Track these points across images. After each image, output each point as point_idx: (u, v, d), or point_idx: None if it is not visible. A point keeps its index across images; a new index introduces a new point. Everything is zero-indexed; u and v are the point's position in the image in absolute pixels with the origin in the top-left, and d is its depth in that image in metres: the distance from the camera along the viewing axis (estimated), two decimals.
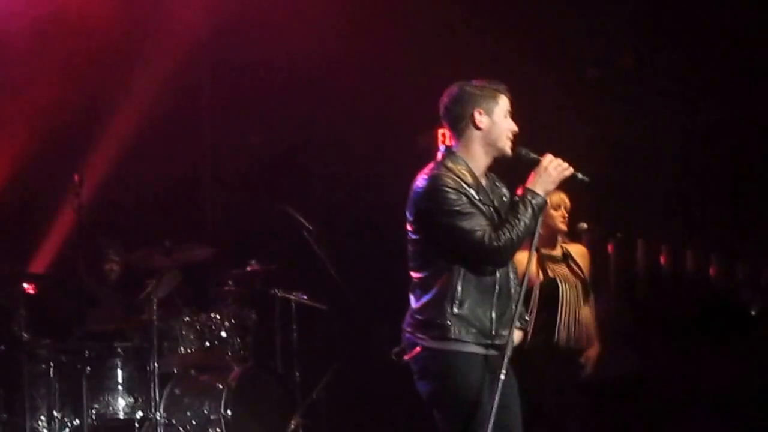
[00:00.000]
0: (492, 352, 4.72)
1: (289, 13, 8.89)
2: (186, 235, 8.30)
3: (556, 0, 8.15)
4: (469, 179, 4.74)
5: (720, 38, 7.57)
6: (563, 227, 6.44)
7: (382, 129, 9.00)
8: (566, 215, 6.43)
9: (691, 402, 7.28)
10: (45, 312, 7.74)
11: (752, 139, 7.58)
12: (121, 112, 9.10)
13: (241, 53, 9.36)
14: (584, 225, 6.48)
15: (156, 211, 9.36)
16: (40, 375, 7.46)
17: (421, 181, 4.79)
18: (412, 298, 4.83)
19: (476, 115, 4.77)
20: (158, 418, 7.49)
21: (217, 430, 7.53)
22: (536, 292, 6.29)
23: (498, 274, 4.76)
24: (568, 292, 6.39)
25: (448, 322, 4.67)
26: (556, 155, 4.73)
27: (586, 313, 6.49)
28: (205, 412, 7.60)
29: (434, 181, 4.73)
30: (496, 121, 4.78)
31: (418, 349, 4.77)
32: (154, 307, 7.56)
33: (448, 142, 8.53)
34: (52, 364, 7.46)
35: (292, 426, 7.77)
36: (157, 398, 7.53)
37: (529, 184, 4.74)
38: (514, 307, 4.76)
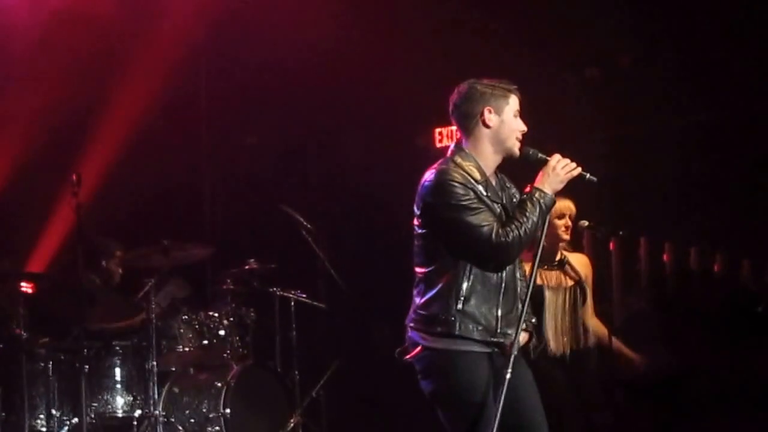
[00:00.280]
0: (496, 350, 4.69)
1: (287, 12, 8.88)
2: (184, 234, 8.30)
3: (556, 0, 8.15)
4: (478, 175, 4.72)
5: (720, 38, 7.58)
6: (566, 237, 6.37)
7: (380, 128, 9.01)
8: (570, 225, 6.36)
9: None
10: (43, 311, 7.71)
11: (752, 139, 7.60)
12: (118, 111, 9.09)
13: (240, 53, 9.35)
14: (585, 223, 6.46)
15: (154, 210, 9.34)
16: (39, 373, 7.46)
17: (429, 175, 4.75)
18: (415, 293, 4.78)
19: (486, 114, 4.75)
20: (157, 416, 7.48)
21: (216, 428, 7.53)
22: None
23: (504, 272, 4.73)
24: (554, 299, 6.36)
25: (453, 318, 4.63)
26: (563, 155, 4.73)
27: (583, 318, 6.46)
28: (204, 410, 7.61)
29: (442, 175, 4.70)
30: (506, 120, 4.76)
31: (420, 347, 4.73)
32: (153, 306, 7.56)
33: (445, 142, 8.63)
34: (50, 363, 7.47)
35: (292, 424, 7.78)
36: (156, 396, 7.55)
37: (537, 183, 4.72)
38: (520, 306, 4.74)
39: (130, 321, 7.81)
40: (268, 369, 8.02)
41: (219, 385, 7.58)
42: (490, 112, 4.76)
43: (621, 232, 6.53)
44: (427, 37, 8.63)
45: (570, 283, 6.42)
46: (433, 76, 8.30)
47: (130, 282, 8.12)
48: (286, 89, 9.27)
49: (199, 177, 9.97)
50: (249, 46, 9.17)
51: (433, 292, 4.69)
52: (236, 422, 7.52)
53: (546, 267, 6.33)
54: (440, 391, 4.73)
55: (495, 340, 4.69)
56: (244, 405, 7.62)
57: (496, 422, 4.50)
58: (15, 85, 8.89)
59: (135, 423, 7.55)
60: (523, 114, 4.79)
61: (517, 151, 4.79)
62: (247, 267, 8.13)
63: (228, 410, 7.50)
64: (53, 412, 7.44)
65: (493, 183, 4.80)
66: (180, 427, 7.56)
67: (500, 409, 4.50)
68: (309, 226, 8.21)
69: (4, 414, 7.37)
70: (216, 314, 7.85)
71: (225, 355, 7.83)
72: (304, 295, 8.26)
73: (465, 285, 4.65)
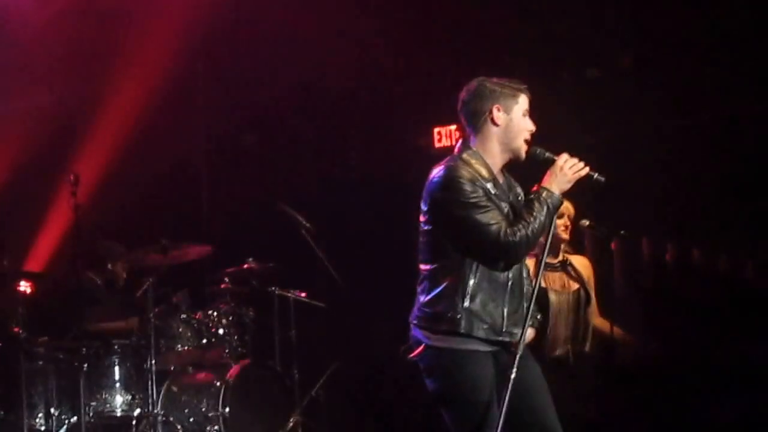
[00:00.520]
0: (501, 349, 4.67)
1: (285, 12, 8.89)
2: (183, 234, 8.30)
3: (556, 0, 8.15)
4: (486, 173, 4.70)
5: (719, 38, 7.59)
6: (565, 236, 6.40)
7: (379, 128, 9.02)
8: (569, 224, 6.39)
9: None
10: (42, 310, 7.74)
11: (752, 139, 7.62)
12: (116, 111, 9.08)
13: (238, 52, 9.35)
14: (586, 222, 6.48)
15: (153, 210, 9.34)
16: (38, 372, 7.45)
17: (437, 171, 4.73)
18: (419, 290, 4.75)
19: (495, 112, 4.74)
20: (156, 415, 7.47)
21: (215, 427, 7.52)
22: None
23: (511, 270, 4.71)
24: (559, 301, 6.37)
25: (459, 315, 4.60)
26: (571, 154, 4.72)
27: (589, 319, 6.47)
28: (203, 409, 7.61)
29: (451, 172, 4.67)
30: (515, 118, 4.75)
31: (423, 346, 4.70)
32: (151, 305, 7.55)
33: (445, 142, 8.64)
34: (49, 362, 7.46)
35: (291, 424, 7.77)
36: (155, 396, 7.54)
37: (544, 183, 4.70)
38: (526, 305, 4.72)
39: (130, 322, 7.81)
40: (268, 368, 8.00)
41: (218, 384, 7.58)
42: (498, 110, 4.74)
43: (622, 232, 6.54)
44: (427, 37, 8.63)
45: (575, 286, 6.44)
46: (433, 76, 8.33)
47: (129, 282, 8.12)
48: (284, 88, 9.27)
49: (198, 176, 9.96)
50: (247, 46, 9.17)
51: (439, 289, 4.66)
52: (235, 421, 7.52)
53: (549, 269, 6.34)
54: (444, 391, 4.70)
55: (500, 339, 4.67)
56: (243, 404, 7.61)
57: (500, 423, 4.47)
58: (13, 84, 8.87)
59: (134, 422, 7.52)
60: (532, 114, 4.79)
61: (523, 154, 4.77)
62: (246, 266, 8.14)
63: (227, 409, 7.50)
64: (52, 411, 7.43)
65: (501, 181, 4.78)
66: (179, 426, 7.55)
67: (504, 409, 4.46)
68: (308, 225, 8.20)
69: (2, 413, 7.37)
70: (215, 313, 7.85)
71: (224, 354, 7.83)
72: (303, 295, 8.26)
73: (472, 282, 4.63)
